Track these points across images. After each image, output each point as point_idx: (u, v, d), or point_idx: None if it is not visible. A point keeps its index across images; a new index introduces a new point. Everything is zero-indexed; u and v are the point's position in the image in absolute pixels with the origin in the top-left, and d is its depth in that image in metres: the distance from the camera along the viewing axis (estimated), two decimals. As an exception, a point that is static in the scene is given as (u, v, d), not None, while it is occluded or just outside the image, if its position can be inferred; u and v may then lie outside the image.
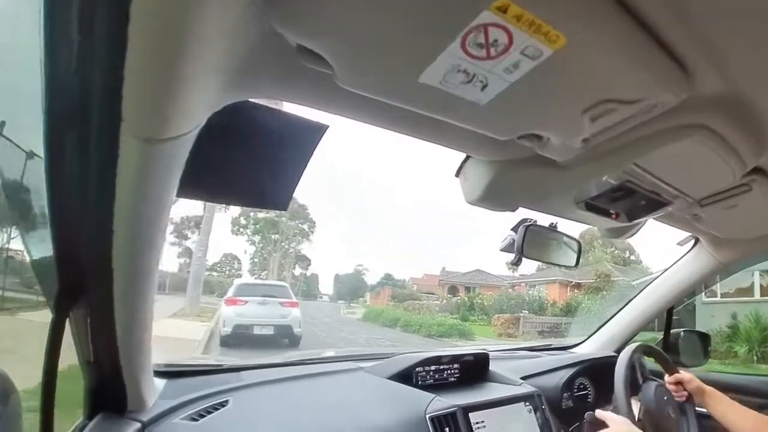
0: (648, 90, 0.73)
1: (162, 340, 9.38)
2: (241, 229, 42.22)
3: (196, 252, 19.49)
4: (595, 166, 1.04)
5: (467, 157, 1.11)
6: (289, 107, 0.85)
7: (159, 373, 1.31)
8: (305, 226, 43.81)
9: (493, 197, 1.15)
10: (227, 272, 45.55)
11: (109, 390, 1.03)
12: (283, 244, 42.74)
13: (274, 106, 0.84)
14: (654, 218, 1.56)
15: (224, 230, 43.29)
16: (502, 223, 1.40)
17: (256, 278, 36.10)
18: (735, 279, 13.68)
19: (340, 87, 0.69)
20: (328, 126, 0.87)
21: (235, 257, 48.19)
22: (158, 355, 1.20)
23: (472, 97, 0.71)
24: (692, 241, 2.00)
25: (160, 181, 0.71)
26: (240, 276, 38.61)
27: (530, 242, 1.35)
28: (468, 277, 35.79)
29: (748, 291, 14.11)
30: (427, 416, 1.35)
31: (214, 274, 43.45)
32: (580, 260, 1.55)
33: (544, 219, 1.41)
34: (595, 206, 1.26)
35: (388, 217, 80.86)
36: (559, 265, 1.55)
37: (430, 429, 1.33)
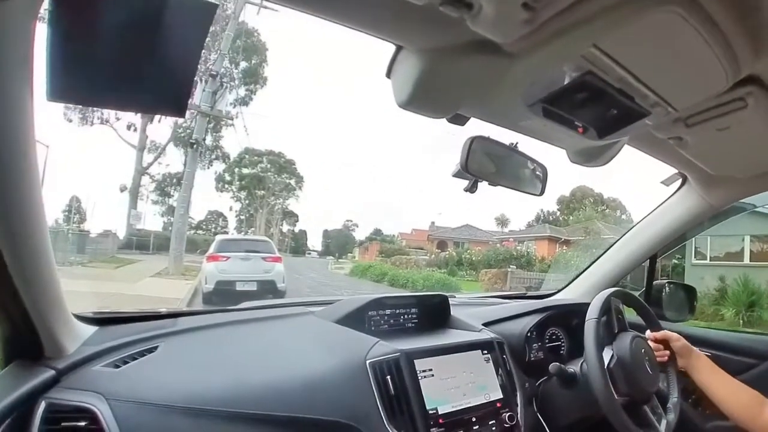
0: None
1: (143, 299, 9.64)
2: (226, 186, 42.35)
3: (177, 209, 19.26)
4: (546, 51, 0.87)
5: (398, 50, 0.95)
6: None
7: (87, 320, 1.25)
8: (292, 181, 44.01)
9: (426, 97, 0.98)
10: (213, 230, 46.01)
11: (23, 336, 0.99)
12: (269, 200, 43.03)
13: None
14: (634, 146, 1.41)
15: (209, 187, 43.10)
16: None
17: (237, 233, 36.78)
18: (725, 243, 14.26)
19: None
20: (217, 5, 0.73)
21: (221, 215, 48.61)
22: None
23: None
24: (679, 181, 1.83)
25: (5, 53, 0.66)
26: (227, 233, 38.61)
27: (480, 158, 1.19)
28: (457, 233, 37.09)
29: (738, 255, 14.39)
30: (367, 362, 1.25)
31: (200, 232, 44.20)
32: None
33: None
34: (554, 113, 1.08)
35: (378, 172, 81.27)
36: (521, 191, 1.37)
37: (371, 376, 1.23)
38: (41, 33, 0.68)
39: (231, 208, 46.01)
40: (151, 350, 1.19)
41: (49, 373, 1.00)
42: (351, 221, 58.86)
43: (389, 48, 0.94)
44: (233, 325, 1.40)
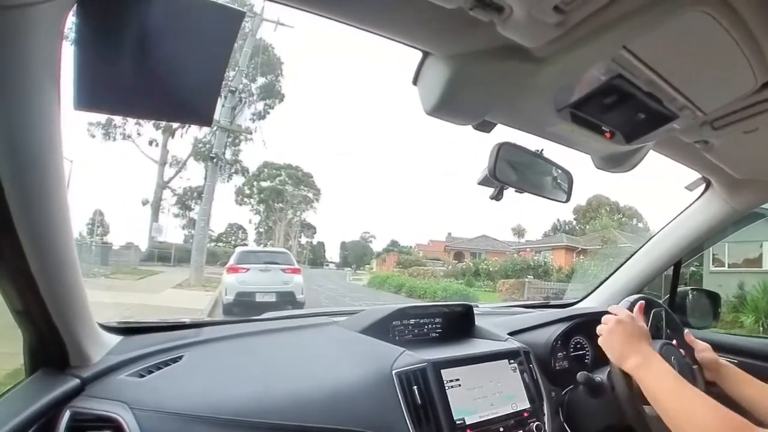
0: None
1: (165, 310, 9.70)
2: (246, 199, 42.68)
3: (198, 221, 19.67)
4: (576, 55, 0.85)
5: (425, 57, 0.94)
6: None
7: (112, 329, 1.25)
8: (310, 194, 44.23)
9: (454, 104, 0.97)
10: (233, 242, 46.23)
11: (49, 344, 0.99)
12: (287, 212, 43.26)
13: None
14: (659, 151, 1.39)
15: (229, 200, 43.91)
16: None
17: (256, 245, 36.96)
18: (742, 249, 14.02)
19: None
20: (244, 12, 0.73)
21: (241, 227, 48.92)
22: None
23: None
24: (702, 186, 1.80)
25: (34, 65, 0.65)
26: (246, 246, 38.59)
27: (507, 165, 1.17)
28: (474, 243, 37.08)
29: (756, 262, 14.18)
30: (394, 372, 1.23)
31: (220, 244, 44.38)
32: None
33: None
34: (582, 118, 1.06)
35: (395, 184, 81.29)
36: (547, 198, 1.35)
37: (397, 386, 1.21)
38: (68, 43, 0.68)
39: (250, 221, 46.49)
40: (175, 360, 1.19)
41: (74, 382, 1.00)
42: (368, 233, 59.17)
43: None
44: (257, 335, 1.40)
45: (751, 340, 2.03)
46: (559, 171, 1.35)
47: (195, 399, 1.06)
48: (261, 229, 45.21)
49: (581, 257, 26.32)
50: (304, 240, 50.71)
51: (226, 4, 0.72)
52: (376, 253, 50.15)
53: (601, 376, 1.41)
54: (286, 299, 11.02)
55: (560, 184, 1.37)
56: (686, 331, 1.50)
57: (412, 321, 1.55)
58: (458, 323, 1.65)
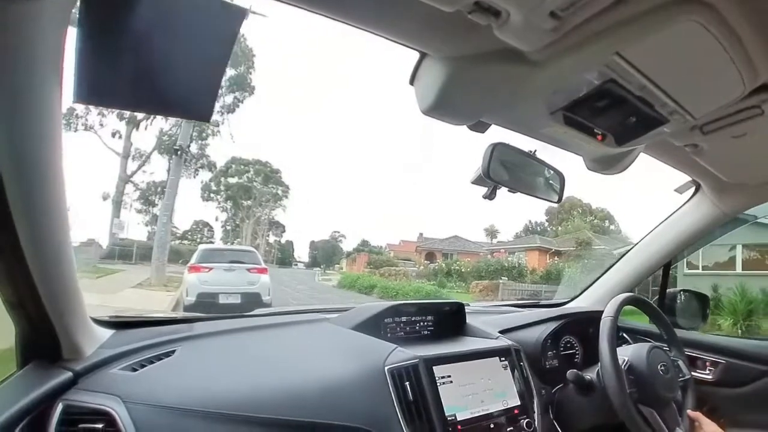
0: None
1: (122, 311, 9.16)
2: (212, 195, 41.01)
3: (160, 217, 18.41)
4: (570, 60, 0.87)
5: (422, 58, 0.95)
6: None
7: (105, 323, 1.25)
8: (279, 191, 42.63)
9: (450, 104, 0.99)
10: (199, 240, 44.00)
11: (42, 337, 0.99)
12: (255, 210, 41.86)
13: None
14: (650, 153, 1.41)
15: (195, 196, 41.92)
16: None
17: (223, 244, 35.43)
18: (715, 253, 14.39)
19: None
20: (246, 10, 0.73)
21: (207, 224, 46.94)
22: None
23: None
24: (692, 189, 1.83)
25: (39, 57, 0.66)
26: (213, 243, 37.50)
27: (500, 165, 1.19)
28: (446, 244, 36.18)
29: (728, 265, 14.52)
30: (386, 368, 1.24)
31: (185, 242, 42.57)
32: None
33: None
34: (575, 121, 1.08)
35: (365, 183, 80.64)
36: (539, 198, 1.37)
37: (389, 382, 1.22)
38: (71, 36, 0.68)
39: (217, 219, 44.65)
40: (168, 354, 1.19)
41: (67, 375, 1.00)
42: (338, 232, 57.49)
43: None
44: (249, 331, 1.40)
45: (739, 341, 2.06)
46: (551, 171, 1.37)
47: (188, 393, 1.06)
48: (228, 227, 43.75)
49: (555, 259, 26.13)
50: (272, 239, 49.20)
51: (229, 1, 0.73)
52: (347, 253, 48.65)
53: (590, 374, 1.43)
54: (252, 301, 10.23)
55: (552, 185, 1.39)
56: (689, 412, 1.48)
57: (404, 318, 1.56)
58: (450, 321, 1.66)
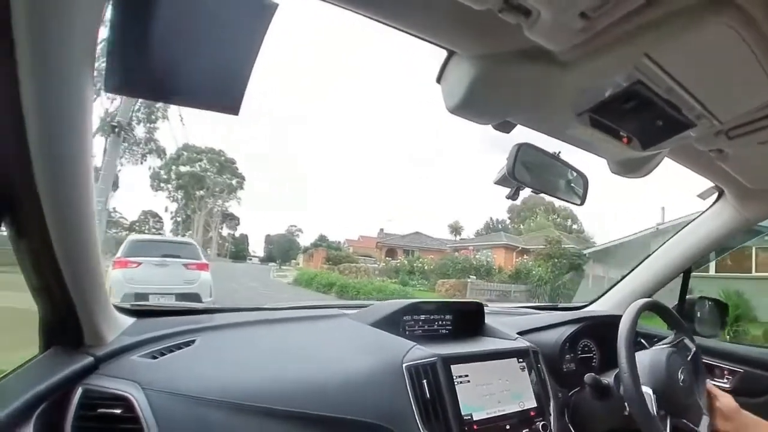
0: None
1: (32, 315, 8.70)
2: (162, 184, 39.59)
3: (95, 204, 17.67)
4: (598, 60, 0.86)
5: (449, 56, 0.95)
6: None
7: (126, 311, 1.28)
8: (233, 182, 41.56)
9: (477, 103, 0.98)
10: (146, 231, 41.79)
11: (65, 322, 1.00)
12: (208, 200, 40.52)
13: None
14: (674, 158, 1.39)
15: (144, 185, 41.30)
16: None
17: (155, 234, 33.15)
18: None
19: None
20: (277, 4, 0.73)
21: (156, 215, 45.14)
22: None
23: None
24: (715, 195, 1.81)
25: (75, 44, 0.68)
26: (160, 234, 35.61)
27: (524, 165, 1.19)
28: (407, 240, 35.50)
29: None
30: (404, 365, 1.24)
31: (133, 233, 41.25)
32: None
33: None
34: (601, 122, 1.07)
35: (324, 173, 79.31)
36: (562, 199, 1.38)
37: (407, 379, 1.22)
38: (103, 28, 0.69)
39: (167, 209, 43.08)
40: (188, 343, 1.20)
41: (88, 360, 1.02)
42: (295, 226, 57.32)
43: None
44: (269, 324, 1.42)
45: (758, 350, 2.03)
46: (575, 174, 1.37)
47: (206, 382, 1.07)
48: (178, 218, 42.37)
49: (523, 257, 25.49)
50: (226, 231, 48.57)
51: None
52: (304, 248, 46.87)
53: (608, 379, 1.42)
54: (189, 302, 8.26)
55: (574, 187, 1.38)
56: (708, 383, 1.50)
57: (422, 317, 1.57)
58: (468, 321, 1.66)
